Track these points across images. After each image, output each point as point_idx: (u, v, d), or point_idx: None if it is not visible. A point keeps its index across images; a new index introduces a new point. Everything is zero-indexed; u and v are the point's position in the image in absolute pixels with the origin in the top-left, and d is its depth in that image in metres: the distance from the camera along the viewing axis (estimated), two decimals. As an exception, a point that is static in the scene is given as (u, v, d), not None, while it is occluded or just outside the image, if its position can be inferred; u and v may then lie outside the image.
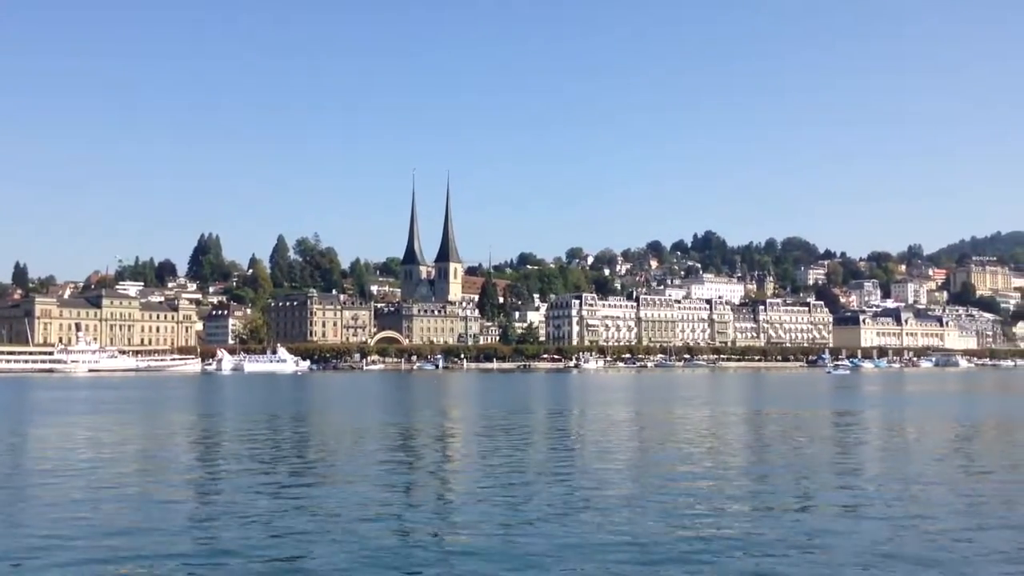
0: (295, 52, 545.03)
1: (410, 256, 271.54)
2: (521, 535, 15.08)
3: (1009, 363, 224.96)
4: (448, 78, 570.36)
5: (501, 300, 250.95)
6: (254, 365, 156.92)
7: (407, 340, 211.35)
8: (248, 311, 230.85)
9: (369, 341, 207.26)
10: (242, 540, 14.69)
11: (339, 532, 15.33)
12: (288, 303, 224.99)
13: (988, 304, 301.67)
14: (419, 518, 16.97)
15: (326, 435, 36.40)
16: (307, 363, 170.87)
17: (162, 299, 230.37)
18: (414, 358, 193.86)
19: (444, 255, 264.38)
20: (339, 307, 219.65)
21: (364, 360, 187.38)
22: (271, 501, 18.64)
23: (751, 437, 35.11)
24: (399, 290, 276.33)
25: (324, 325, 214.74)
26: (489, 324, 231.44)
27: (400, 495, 19.73)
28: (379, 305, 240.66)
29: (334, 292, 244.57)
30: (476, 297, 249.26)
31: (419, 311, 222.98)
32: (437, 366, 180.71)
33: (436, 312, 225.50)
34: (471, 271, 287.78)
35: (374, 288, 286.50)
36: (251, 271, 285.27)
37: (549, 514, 16.97)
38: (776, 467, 24.56)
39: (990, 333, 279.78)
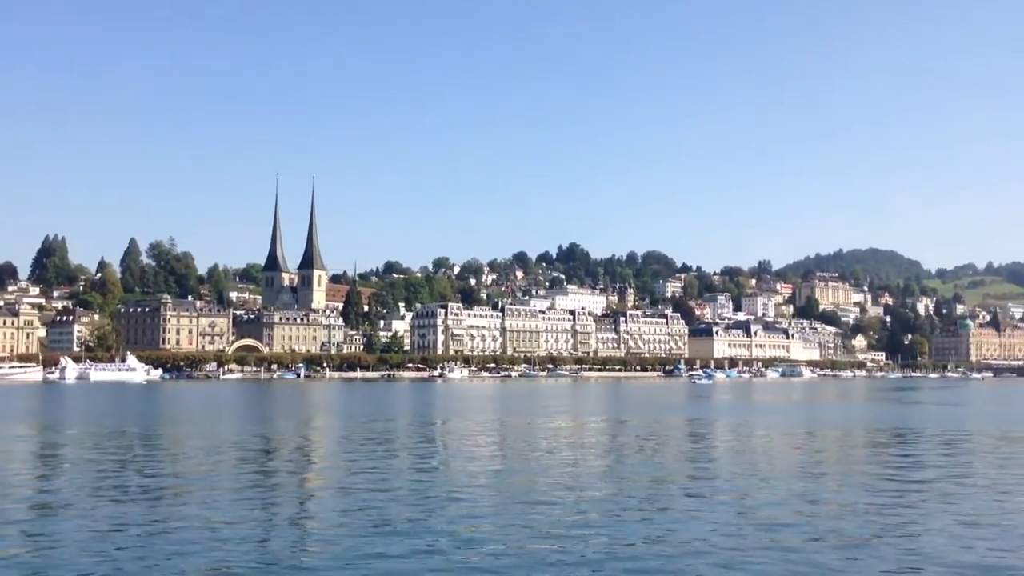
0: (152, 49, 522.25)
1: (272, 262, 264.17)
2: (378, 550, 14.79)
3: (848, 373, 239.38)
4: (311, 81, 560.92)
5: (366, 309, 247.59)
6: (101, 374, 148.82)
7: (267, 348, 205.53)
8: (96, 317, 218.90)
9: (227, 349, 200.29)
10: (76, 565, 13.77)
11: (184, 554, 14.60)
12: (140, 309, 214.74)
13: (830, 318, 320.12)
14: (274, 537, 16.38)
15: (176, 449, 34.75)
16: (159, 372, 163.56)
17: (1, 304, 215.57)
18: (274, 367, 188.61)
19: (308, 262, 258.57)
20: (195, 314, 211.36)
21: (221, 369, 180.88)
22: (112, 522, 17.58)
23: (613, 444, 35.84)
24: (260, 297, 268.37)
25: (179, 332, 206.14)
26: (353, 333, 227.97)
27: (255, 513, 18.96)
28: (238, 312, 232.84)
29: (190, 298, 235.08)
30: (340, 305, 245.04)
31: (280, 319, 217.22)
32: (298, 375, 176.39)
33: (298, 320, 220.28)
34: (335, 279, 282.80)
35: (233, 295, 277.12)
36: (100, 275, 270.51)
37: (408, 528, 16.73)
38: (633, 473, 25.12)
39: (831, 345, 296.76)
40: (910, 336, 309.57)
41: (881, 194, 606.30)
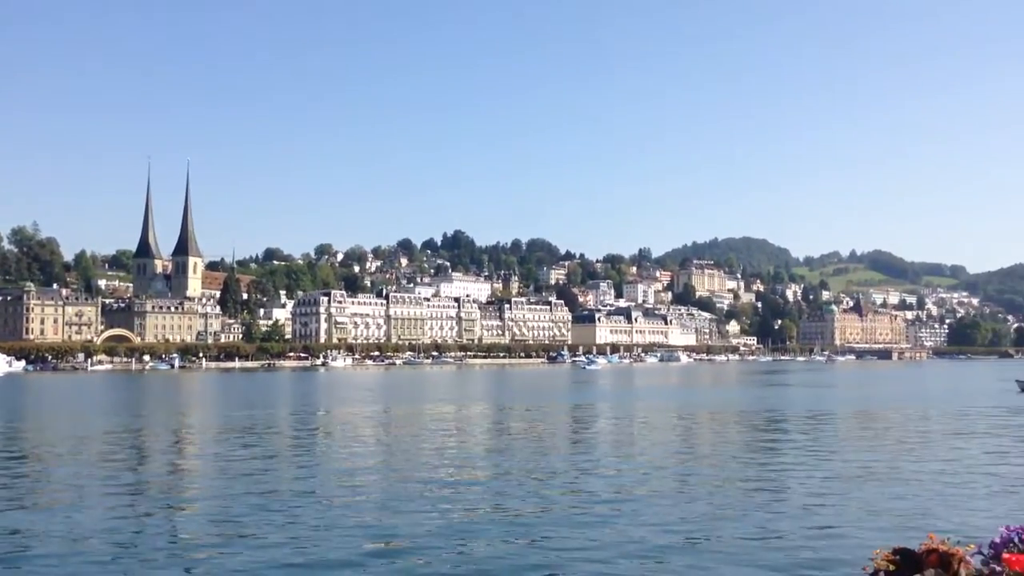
0: (12, 23, 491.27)
1: (144, 249, 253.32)
2: (255, 546, 14.47)
3: (722, 358, 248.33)
4: (185, 60, 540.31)
5: (245, 296, 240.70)
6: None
7: (139, 339, 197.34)
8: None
9: (95, 340, 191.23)
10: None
11: (46, 557, 13.92)
12: (1, 298, 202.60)
13: (706, 304, 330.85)
14: (144, 535, 15.81)
15: (38, 444, 33.03)
16: (22, 363, 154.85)
17: None
18: (146, 358, 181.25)
19: (182, 248, 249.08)
20: (61, 303, 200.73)
21: (89, 360, 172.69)
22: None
23: (497, 430, 36.12)
24: (131, 285, 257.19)
25: (43, 322, 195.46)
26: (231, 321, 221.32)
27: (115, 522, 18.24)
28: (108, 301, 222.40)
29: (55, 286, 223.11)
30: (217, 293, 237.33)
31: (153, 308, 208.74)
32: (172, 366, 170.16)
33: (172, 309, 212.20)
34: (212, 266, 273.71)
35: (102, 283, 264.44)
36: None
37: (287, 522, 16.43)
38: (518, 457, 25.40)
39: (707, 330, 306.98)
40: (780, 321, 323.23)
41: (753, 185, 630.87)
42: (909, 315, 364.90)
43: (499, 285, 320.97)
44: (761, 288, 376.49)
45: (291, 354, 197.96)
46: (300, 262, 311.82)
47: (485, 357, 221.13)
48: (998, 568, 1.77)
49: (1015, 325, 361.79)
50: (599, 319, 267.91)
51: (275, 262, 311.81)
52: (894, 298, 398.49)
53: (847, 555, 12.59)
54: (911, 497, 18.54)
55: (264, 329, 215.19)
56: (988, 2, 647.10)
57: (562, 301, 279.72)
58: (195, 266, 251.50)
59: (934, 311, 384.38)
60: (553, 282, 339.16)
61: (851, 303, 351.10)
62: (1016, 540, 1.86)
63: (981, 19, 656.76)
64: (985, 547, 1.87)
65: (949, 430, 35.95)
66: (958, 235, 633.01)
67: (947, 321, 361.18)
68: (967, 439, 31.91)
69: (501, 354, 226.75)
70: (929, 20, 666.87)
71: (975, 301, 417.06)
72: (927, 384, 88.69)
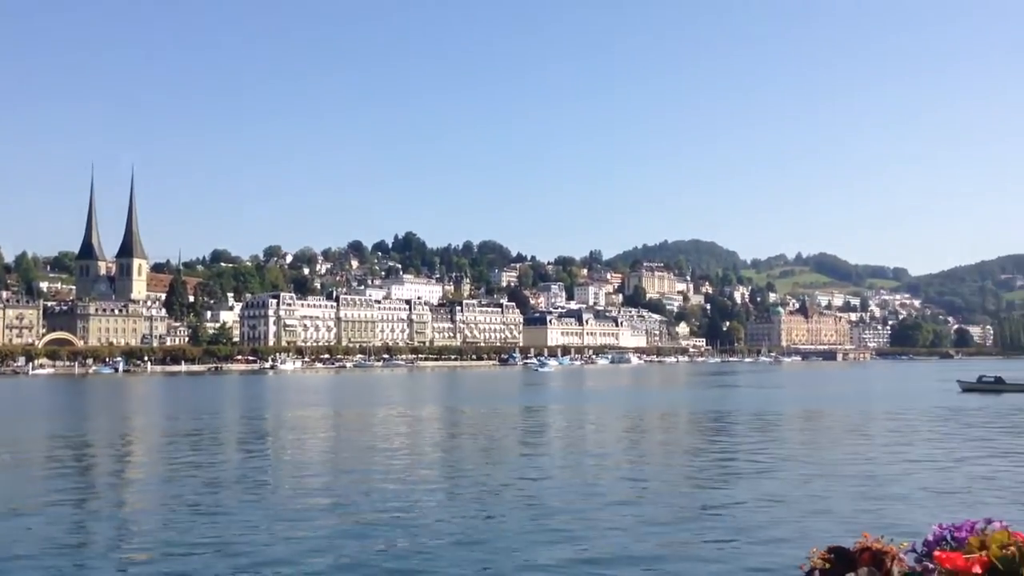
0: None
1: (87, 251, 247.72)
2: (195, 554, 14.31)
3: (672, 359, 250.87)
4: (133, 60, 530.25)
5: (192, 299, 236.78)
6: None
7: (82, 342, 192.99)
8: None
9: (37, 343, 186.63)
10: None
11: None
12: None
13: (656, 306, 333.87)
14: (82, 544, 15.52)
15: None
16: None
17: None
18: (90, 361, 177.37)
19: (127, 250, 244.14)
20: (1, 305, 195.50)
21: (30, 364, 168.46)
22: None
23: (447, 433, 36.08)
24: (74, 288, 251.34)
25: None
26: (178, 324, 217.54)
27: (61, 519, 17.88)
28: (49, 304, 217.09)
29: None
30: (163, 296, 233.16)
31: (97, 310, 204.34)
32: (117, 369, 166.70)
33: (117, 311, 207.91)
34: (158, 268, 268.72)
35: (44, 285, 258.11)
36: None
37: (229, 531, 16.26)
38: (469, 460, 25.44)
39: (657, 332, 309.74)
40: (728, 323, 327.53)
41: (702, 188, 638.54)
42: (853, 316, 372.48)
43: (450, 287, 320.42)
44: (710, 290, 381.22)
45: (239, 357, 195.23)
46: (248, 264, 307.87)
47: (436, 359, 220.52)
48: (931, 565, 1.83)
49: (955, 326, 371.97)
50: (550, 321, 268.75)
51: (223, 264, 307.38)
52: (839, 300, 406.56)
53: (787, 554, 12.87)
54: (853, 495, 19.00)
55: (211, 332, 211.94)
56: (921, 6, 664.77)
57: (513, 303, 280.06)
58: (140, 268, 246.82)
59: (877, 313, 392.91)
60: (504, 284, 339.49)
61: (797, 305, 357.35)
62: (949, 538, 1.92)
63: (916, 22, 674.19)
64: (919, 545, 1.93)
65: (892, 429, 36.84)
66: (900, 238, 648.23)
67: (890, 322, 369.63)
68: (909, 438, 32.73)
69: (453, 356, 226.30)
70: (866, 20, 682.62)
71: (917, 303, 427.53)
72: (871, 384, 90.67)
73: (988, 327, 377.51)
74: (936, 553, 1.83)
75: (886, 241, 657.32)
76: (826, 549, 1.95)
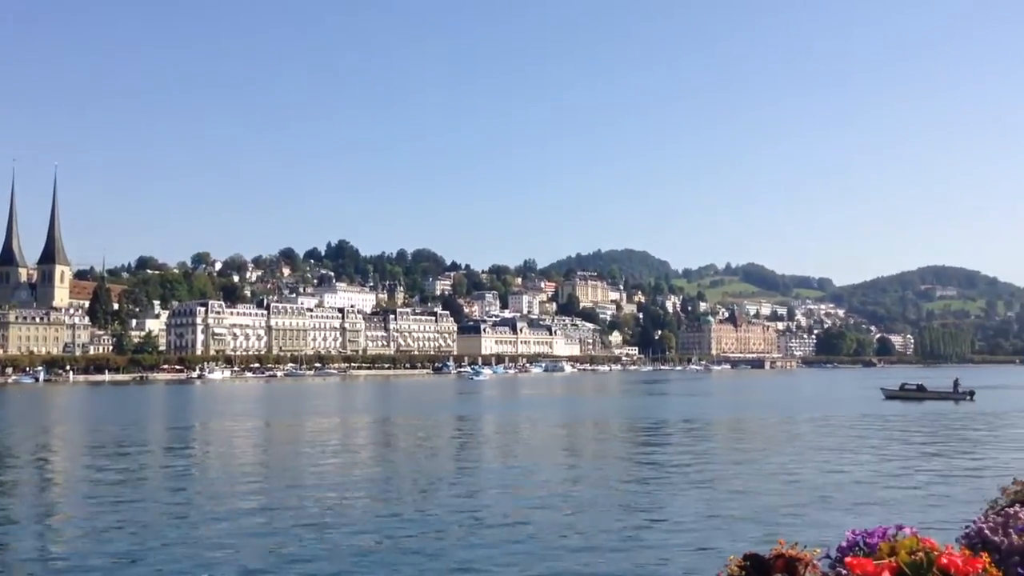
0: None
1: (7, 257, 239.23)
2: (114, 569, 13.88)
3: (605, 368, 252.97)
4: (56, 61, 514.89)
5: (116, 307, 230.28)
6: None
7: (2, 351, 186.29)
8: None
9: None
10: None
11: None
12: None
13: (589, 315, 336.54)
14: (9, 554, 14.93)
15: None
16: None
17: None
18: (9, 370, 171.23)
19: (49, 256, 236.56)
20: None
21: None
22: None
23: (379, 444, 35.73)
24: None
25: None
26: (101, 333, 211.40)
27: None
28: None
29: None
30: (87, 303, 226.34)
31: (17, 318, 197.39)
32: (37, 379, 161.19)
33: (38, 319, 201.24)
34: (81, 275, 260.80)
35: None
36: None
37: (149, 546, 15.82)
38: (401, 470, 25.21)
39: (591, 341, 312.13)
40: (660, 332, 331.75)
41: (635, 198, 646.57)
42: (780, 326, 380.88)
43: (384, 295, 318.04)
44: (642, 299, 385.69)
45: (165, 367, 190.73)
46: (176, 271, 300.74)
47: (370, 368, 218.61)
48: (843, 571, 1.84)
49: (877, 335, 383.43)
50: (485, 330, 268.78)
51: (149, 271, 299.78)
52: (766, 309, 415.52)
53: (708, 561, 13.03)
54: (777, 502, 19.36)
55: (136, 341, 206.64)
56: (847, 18, 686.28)
57: (448, 312, 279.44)
58: (62, 275, 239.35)
59: (803, 322, 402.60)
60: (439, 293, 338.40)
61: (727, 314, 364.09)
62: (861, 544, 1.93)
63: (844, 36, 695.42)
64: (833, 551, 1.94)
65: (818, 436, 37.69)
66: (825, 249, 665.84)
67: (815, 331, 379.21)
68: (834, 445, 33.53)
69: (386, 365, 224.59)
70: (796, 30, 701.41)
71: (841, 312, 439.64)
72: (798, 392, 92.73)
73: (909, 336, 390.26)
74: (847, 559, 1.85)
75: (811, 252, 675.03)
76: (742, 556, 1.96)
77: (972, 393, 66.53)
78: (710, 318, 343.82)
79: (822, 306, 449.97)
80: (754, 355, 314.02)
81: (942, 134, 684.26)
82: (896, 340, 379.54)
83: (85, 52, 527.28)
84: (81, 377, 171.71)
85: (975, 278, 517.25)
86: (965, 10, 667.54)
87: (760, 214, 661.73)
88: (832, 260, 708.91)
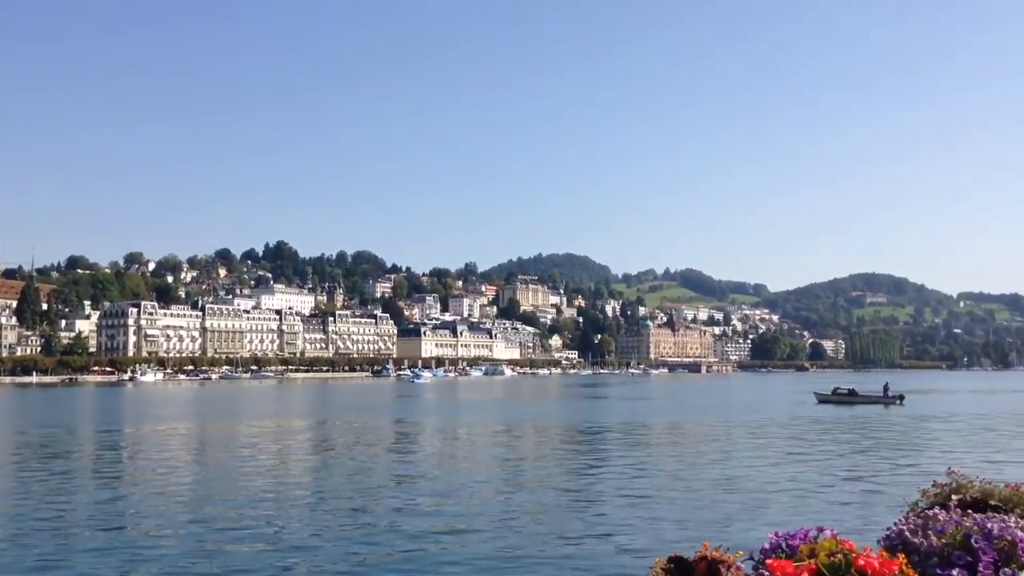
0: None
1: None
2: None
3: (545, 371, 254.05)
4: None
5: (45, 307, 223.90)
6: None
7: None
8: None
9: None
10: None
11: None
12: None
13: (530, 318, 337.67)
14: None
15: None
16: None
17: None
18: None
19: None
20: None
21: None
22: None
23: (316, 448, 35.31)
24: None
25: None
26: (29, 333, 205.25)
27: None
28: None
29: None
30: (14, 303, 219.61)
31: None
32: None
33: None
34: (9, 274, 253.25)
35: None
36: None
37: (73, 553, 15.39)
38: (335, 478, 24.96)
39: (531, 344, 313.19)
40: (600, 336, 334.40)
41: (572, 203, 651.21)
42: (717, 330, 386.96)
43: (323, 298, 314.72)
44: (583, 303, 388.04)
45: (96, 368, 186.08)
46: (107, 271, 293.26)
47: (308, 371, 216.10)
48: (765, 573, 1.84)
49: (810, 341, 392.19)
50: (425, 333, 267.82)
51: (79, 271, 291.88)
52: (703, 314, 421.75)
53: (637, 563, 13.13)
54: (709, 505, 19.65)
55: (66, 342, 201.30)
56: (793, 31, 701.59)
57: (388, 315, 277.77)
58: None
59: (739, 327, 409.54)
60: (379, 295, 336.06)
61: (665, 319, 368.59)
62: (784, 546, 1.95)
63: (771, 45, 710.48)
64: (756, 553, 1.96)
65: (750, 440, 38.38)
66: (760, 256, 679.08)
67: (750, 336, 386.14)
68: (767, 448, 34.18)
69: (325, 368, 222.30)
70: (745, 47, 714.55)
71: (775, 318, 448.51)
72: (733, 396, 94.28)
73: (840, 341, 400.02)
74: (768, 561, 1.88)
75: (747, 258, 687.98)
76: (667, 559, 1.99)
77: (902, 397, 68.60)
78: (649, 323, 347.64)
79: (757, 311, 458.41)
80: (691, 359, 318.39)
81: (873, 143, 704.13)
82: (828, 345, 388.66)
83: (13, 43, 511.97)
84: (7, 379, 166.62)
85: (904, 285, 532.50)
86: (888, 12, 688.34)
87: (699, 220, 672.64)
88: (767, 266, 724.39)
